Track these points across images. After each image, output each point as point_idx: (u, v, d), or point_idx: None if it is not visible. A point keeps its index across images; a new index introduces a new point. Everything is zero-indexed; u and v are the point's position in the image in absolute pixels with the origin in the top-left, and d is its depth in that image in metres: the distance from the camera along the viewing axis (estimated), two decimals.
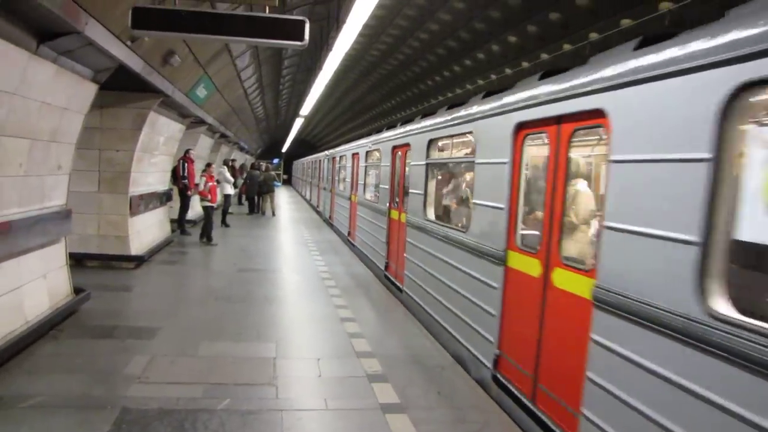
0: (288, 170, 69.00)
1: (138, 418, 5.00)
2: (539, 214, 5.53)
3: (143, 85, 10.15)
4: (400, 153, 11.12)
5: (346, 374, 6.46)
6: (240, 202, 28.52)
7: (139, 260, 11.75)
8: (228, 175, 20.48)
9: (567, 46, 10.71)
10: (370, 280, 11.84)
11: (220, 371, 6.28)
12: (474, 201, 6.94)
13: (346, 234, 17.03)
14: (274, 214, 25.18)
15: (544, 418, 5.10)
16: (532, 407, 5.33)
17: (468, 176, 8.27)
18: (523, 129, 5.77)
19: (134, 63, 8.59)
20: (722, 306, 3.22)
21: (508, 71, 13.28)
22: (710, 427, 3.19)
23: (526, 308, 5.53)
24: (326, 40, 12.97)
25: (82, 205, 10.79)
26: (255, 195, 25.32)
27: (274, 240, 17.71)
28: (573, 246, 5.16)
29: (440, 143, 8.86)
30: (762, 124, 3.28)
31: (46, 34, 6.29)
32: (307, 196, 35.46)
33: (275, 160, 67.72)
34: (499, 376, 6.03)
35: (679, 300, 3.44)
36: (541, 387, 5.25)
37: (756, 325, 2.96)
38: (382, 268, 11.88)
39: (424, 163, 9.17)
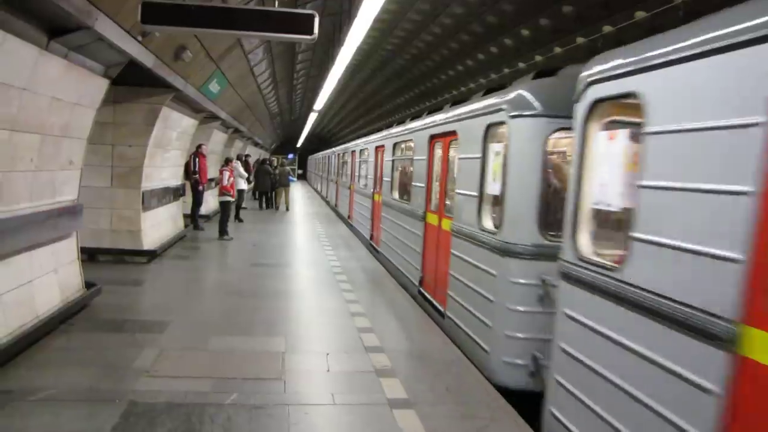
0: (303, 165, 69.15)
1: (145, 412, 5.03)
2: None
3: (155, 80, 10.20)
4: (441, 144, 9.24)
5: (355, 369, 6.46)
6: (254, 197, 28.62)
7: (151, 255, 11.83)
8: (242, 170, 20.49)
9: (580, 39, 10.63)
10: (382, 275, 11.84)
11: (229, 365, 6.31)
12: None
13: (368, 237, 15.70)
14: (288, 209, 25.26)
15: (435, 303, 8.95)
16: (429, 297, 9.33)
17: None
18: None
19: (145, 58, 8.62)
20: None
21: (521, 65, 13.21)
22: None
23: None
24: (339, 34, 12.94)
25: (95, 199, 10.88)
26: (266, 190, 25.36)
27: (287, 235, 17.78)
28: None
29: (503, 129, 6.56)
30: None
31: (56, 30, 6.33)
32: (322, 192, 35.31)
33: (290, 155, 67.98)
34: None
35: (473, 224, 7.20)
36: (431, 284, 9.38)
37: None
38: (416, 282, 9.91)
39: (478, 156, 7.18)
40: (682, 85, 3.49)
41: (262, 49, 15.28)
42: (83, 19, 6.10)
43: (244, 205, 21.61)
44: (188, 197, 16.75)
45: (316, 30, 6.44)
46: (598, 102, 4.47)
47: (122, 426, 4.77)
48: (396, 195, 12.44)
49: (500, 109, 6.64)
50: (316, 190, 43.27)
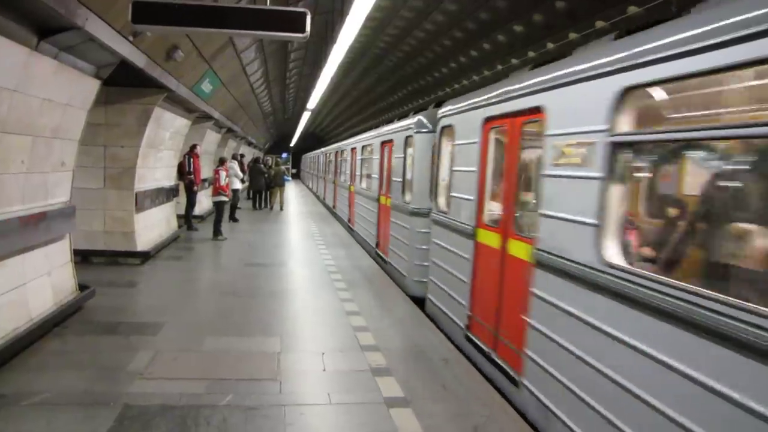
0: (296, 164, 69.03)
1: (140, 415, 5.00)
2: None
3: (147, 80, 10.15)
4: (387, 147, 10.93)
5: (351, 368, 6.44)
6: (248, 197, 28.57)
7: (145, 256, 11.78)
8: (238, 169, 20.42)
9: (573, 35, 10.60)
10: (375, 273, 11.83)
11: (224, 366, 6.28)
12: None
13: (374, 245, 14.15)
14: (282, 209, 25.24)
15: (381, 254, 12.43)
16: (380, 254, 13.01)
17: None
18: None
19: (137, 58, 8.57)
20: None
21: (514, 60, 13.17)
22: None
23: None
24: (331, 32, 12.90)
25: (88, 201, 10.83)
26: (260, 190, 25.29)
27: (282, 234, 17.73)
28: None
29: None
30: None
31: (46, 30, 6.28)
32: (316, 191, 35.37)
33: (284, 155, 67.79)
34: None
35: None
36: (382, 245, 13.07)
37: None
38: (462, 325, 7.44)
39: (401, 156, 10.70)
40: (463, 120, 7.87)
41: (255, 48, 15.23)
42: (73, 19, 6.06)
43: (238, 205, 21.59)
44: (182, 198, 16.71)
45: (308, 28, 6.39)
46: (443, 128, 8.80)
47: (117, 429, 4.74)
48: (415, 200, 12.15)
49: (410, 128, 10.81)
50: (309, 189, 43.30)
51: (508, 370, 6.00)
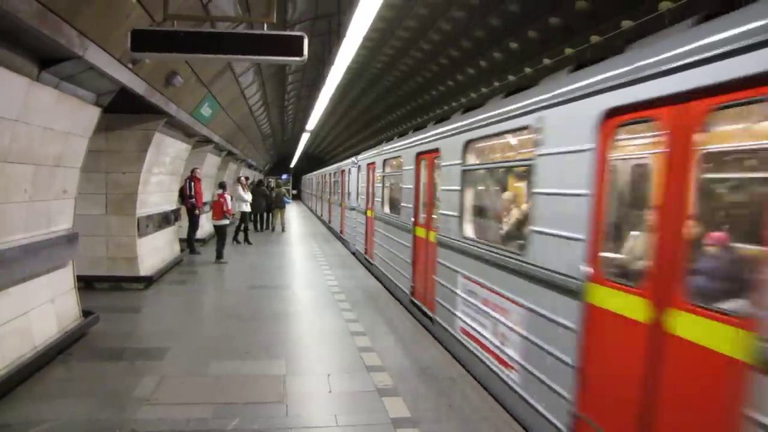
0: (297, 185, 69.23)
1: None
2: None
3: (147, 106, 10.20)
4: (425, 162, 10.09)
5: (357, 389, 6.42)
6: (250, 219, 28.59)
7: (148, 281, 11.78)
8: (242, 192, 20.46)
9: (569, 50, 10.70)
10: (379, 293, 11.81)
11: (230, 390, 6.27)
12: None
13: (409, 291, 10.64)
14: (283, 230, 25.28)
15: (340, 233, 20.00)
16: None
17: None
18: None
19: (136, 85, 8.64)
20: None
21: (511, 77, 13.28)
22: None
23: None
24: (328, 54, 13.01)
25: (91, 227, 10.85)
26: (262, 212, 25.35)
27: (284, 256, 17.71)
28: None
29: None
30: None
31: (47, 60, 6.35)
32: (319, 213, 34.82)
33: (284, 176, 68.03)
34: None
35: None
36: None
37: None
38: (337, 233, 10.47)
39: (367, 175, 15.11)
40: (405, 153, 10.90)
41: (253, 71, 15.34)
42: (73, 48, 6.13)
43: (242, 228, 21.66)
44: (184, 221, 16.74)
45: (306, 51, 6.45)
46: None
47: None
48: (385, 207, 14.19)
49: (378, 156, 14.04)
50: (310, 209, 43.35)
51: (340, 234, 14.64)
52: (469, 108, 8.47)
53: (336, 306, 10.54)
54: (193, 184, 16.28)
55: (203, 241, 19.05)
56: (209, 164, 21.25)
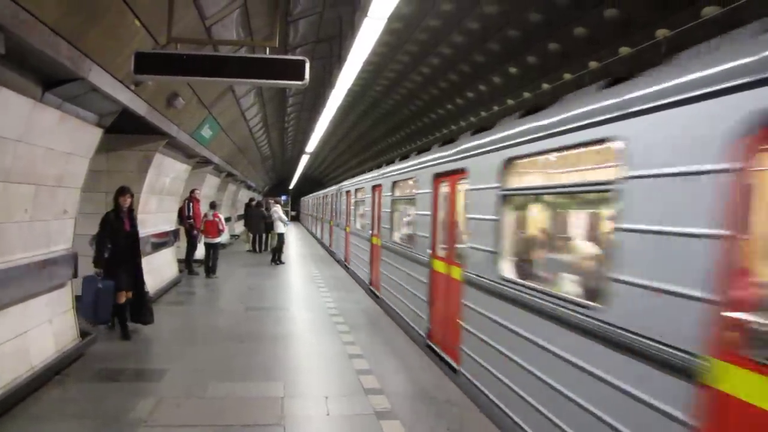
0: (295, 207, 69.29)
1: None
2: None
3: (148, 127, 10.28)
4: (356, 192, 14.07)
5: (355, 412, 6.40)
6: (246, 240, 28.60)
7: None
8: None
9: (567, 75, 10.81)
10: (379, 315, 11.79)
11: (228, 412, 6.24)
12: None
13: (425, 334, 9.29)
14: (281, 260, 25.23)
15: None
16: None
17: None
18: None
19: (138, 106, 8.72)
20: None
21: (510, 101, 13.38)
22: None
23: None
24: (329, 77, 13.13)
25: (89, 247, 10.85)
26: (261, 233, 25.39)
27: (282, 277, 17.69)
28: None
29: None
30: None
31: (51, 82, 6.42)
32: (318, 235, 34.53)
33: (283, 197, 68.07)
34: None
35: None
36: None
37: None
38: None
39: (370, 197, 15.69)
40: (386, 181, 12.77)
41: (253, 93, 15.46)
42: (77, 70, 6.19)
43: (249, 248, 23.85)
44: (182, 242, 16.79)
45: (307, 75, 6.54)
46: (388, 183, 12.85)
47: None
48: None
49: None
50: (309, 231, 43.35)
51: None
52: (481, 129, 7.54)
53: (334, 328, 10.51)
54: (192, 204, 16.37)
55: (201, 262, 19.03)
56: (209, 185, 21.35)
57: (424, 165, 9.64)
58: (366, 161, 35.83)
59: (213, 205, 16.99)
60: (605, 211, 4.77)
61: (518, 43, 11.26)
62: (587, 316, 4.43)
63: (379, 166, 15.43)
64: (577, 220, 5.99)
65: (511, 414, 5.70)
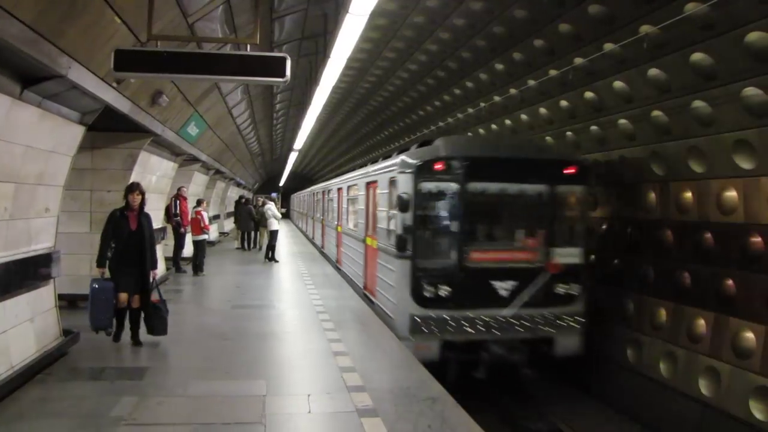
0: (286, 204, 69.19)
1: None
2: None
3: (133, 125, 10.24)
4: (351, 191, 17.67)
5: (337, 410, 6.41)
6: (235, 237, 28.52)
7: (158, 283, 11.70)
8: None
9: (552, 71, 10.85)
10: (365, 313, 11.81)
11: (209, 411, 6.24)
12: None
13: (362, 287, 13.65)
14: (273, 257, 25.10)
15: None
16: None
17: None
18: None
19: (121, 104, 8.68)
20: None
21: (496, 98, 13.41)
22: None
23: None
24: (315, 74, 13.13)
25: (74, 246, 10.82)
26: (249, 231, 25.30)
27: (270, 275, 17.68)
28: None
29: None
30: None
31: (30, 79, 6.37)
32: (311, 235, 33.88)
33: (273, 194, 67.90)
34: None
35: None
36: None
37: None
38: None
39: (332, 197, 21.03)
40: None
41: (240, 90, 15.41)
42: (56, 68, 6.16)
43: (238, 246, 23.72)
44: (170, 240, 16.77)
45: (288, 72, 6.53)
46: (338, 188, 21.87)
47: None
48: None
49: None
50: (299, 228, 43.36)
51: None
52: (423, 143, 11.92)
53: (320, 326, 10.51)
54: (178, 202, 16.32)
55: (189, 260, 18.99)
56: (197, 183, 21.31)
57: (361, 176, 14.88)
58: (354, 159, 35.89)
59: (198, 202, 17.00)
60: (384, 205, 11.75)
61: (504, 39, 11.29)
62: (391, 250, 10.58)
63: (363, 165, 17.44)
64: (384, 213, 11.87)
65: (385, 309, 11.24)
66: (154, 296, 8.98)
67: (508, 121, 14.15)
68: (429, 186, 10.13)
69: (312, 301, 12.97)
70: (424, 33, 12.56)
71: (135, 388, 6.89)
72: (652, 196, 10.39)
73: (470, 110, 15.14)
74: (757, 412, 7.90)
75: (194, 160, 17.95)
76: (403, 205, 9.93)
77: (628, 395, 10.53)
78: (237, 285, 15.40)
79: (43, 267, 7.65)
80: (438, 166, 9.96)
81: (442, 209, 10.47)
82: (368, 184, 13.57)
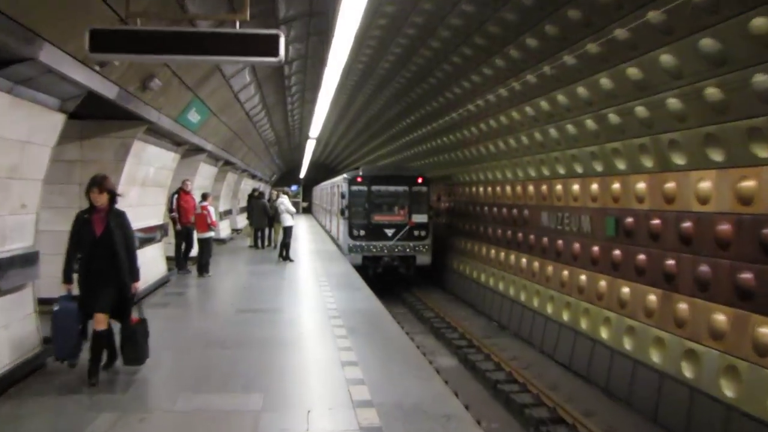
0: (307, 197, 69.31)
1: None
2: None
3: (124, 112, 10.20)
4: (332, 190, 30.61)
5: (338, 428, 6.28)
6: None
7: (139, 298, 11.70)
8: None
9: (567, 57, 10.77)
10: (382, 316, 11.68)
11: (195, 429, 6.16)
12: None
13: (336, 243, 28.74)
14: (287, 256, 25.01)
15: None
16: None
17: None
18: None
19: (107, 90, 8.63)
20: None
21: (530, 77, 13.12)
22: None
23: None
24: (327, 53, 12.94)
25: (61, 245, 10.80)
26: (262, 227, 25.33)
27: (283, 276, 17.62)
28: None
29: None
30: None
31: None
32: (327, 227, 37.07)
33: (293, 187, 68.08)
34: None
35: None
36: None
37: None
38: None
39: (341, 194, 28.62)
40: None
41: (247, 72, 15.32)
42: (26, 49, 6.12)
43: (251, 244, 25.33)
44: (171, 237, 16.78)
45: (281, 51, 6.39)
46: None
47: None
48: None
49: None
50: (322, 226, 43.52)
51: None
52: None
53: (331, 332, 10.40)
54: (177, 197, 16.26)
55: (194, 259, 19.04)
56: (204, 175, 21.34)
57: (331, 183, 33.82)
58: (380, 146, 35.83)
59: (204, 197, 16.90)
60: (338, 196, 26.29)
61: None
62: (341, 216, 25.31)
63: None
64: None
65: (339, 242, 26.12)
66: (134, 315, 8.08)
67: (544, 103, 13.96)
68: (354, 188, 24.55)
69: (326, 305, 12.88)
70: (446, 5, 12.30)
71: (117, 402, 6.85)
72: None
73: (502, 91, 14.86)
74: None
75: (199, 150, 17.97)
76: (343, 196, 24.68)
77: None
78: (244, 287, 15.39)
79: (20, 268, 7.63)
80: (359, 179, 24.56)
81: (360, 197, 24.53)
82: (331, 186, 32.15)
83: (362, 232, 23.94)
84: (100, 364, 7.57)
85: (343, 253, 23.69)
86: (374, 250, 23.80)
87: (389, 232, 24.01)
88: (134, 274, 7.97)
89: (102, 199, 7.60)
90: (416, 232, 24.10)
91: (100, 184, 7.63)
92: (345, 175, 25.53)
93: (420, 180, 24.58)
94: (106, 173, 11.00)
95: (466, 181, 23.45)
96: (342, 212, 24.45)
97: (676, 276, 10.56)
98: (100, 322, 7.50)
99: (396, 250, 23.87)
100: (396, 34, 14.76)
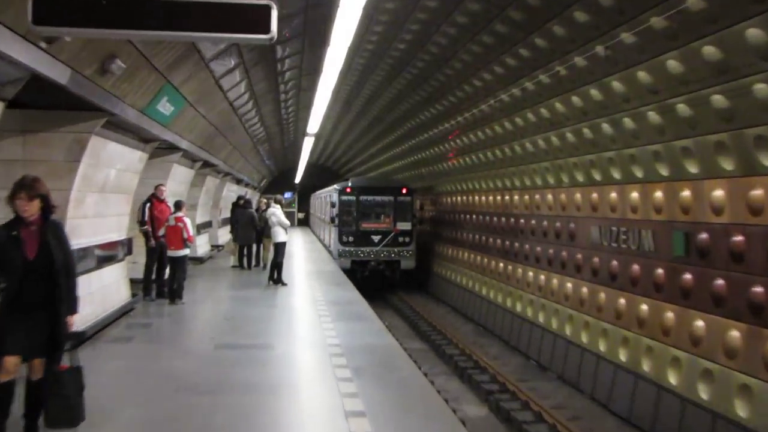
0: (303, 207, 69.60)
1: None
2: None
3: (79, 101, 10.05)
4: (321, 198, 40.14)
5: None
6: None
7: (77, 339, 11.53)
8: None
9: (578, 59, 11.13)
10: (394, 352, 11.52)
11: None
12: None
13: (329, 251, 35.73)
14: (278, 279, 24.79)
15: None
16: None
17: None
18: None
19: (57, 73, 8.47)
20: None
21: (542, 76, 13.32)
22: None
23: None
24: (329, 34, 12.89)
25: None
26: (249, 243, 25.11)
27: (273, 303, 17.49)
28: None
29: None
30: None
31: None
32: (325, 241, 39.50)
33: (287, 194, 68.10)
34: None
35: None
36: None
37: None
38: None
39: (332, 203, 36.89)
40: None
41: (230, 54, 15.24)
42: None
43: (234, 264, 24.76)
44: (141, 256, 16.67)
45: (273, 27, 6.29)
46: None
47: None
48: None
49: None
50: (320, 240, 43.84)
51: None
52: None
53: (332, 373, 10.21)
54: (150, 205, 16.17)
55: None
56: (177, 179, 21.25)
57: (324, 192, 43.29)
58: (387, 148, 36.51)
59: (177, 206, 16.72)
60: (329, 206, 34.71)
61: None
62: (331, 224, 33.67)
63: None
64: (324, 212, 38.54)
65: (330, 248, 34.44)
66: (63, 362, 7.16)
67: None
68: (344, 198, 32.58)
69: (326, 339, 12.72)
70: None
71: None
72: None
73: (515, 91, 15.22)
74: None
75: (171, 148, 17.91)
76: (333, 205, 32.75)
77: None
78: (226, 317, 15.28)
79: None
80: (348, 190, 32.81)
81: (349, 206, 32.49)
82: (325, 196, 39.67)
83: (351, 239, 31.44)
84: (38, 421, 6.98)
85: (333, 258, 31.27)
86: (362, 255, 31.10)
87: (376, 238, 31.48)
88: (72, 305, 7.19)
89: (32, 208, 6.74)
90: (401, 239, 31.65)
91: (30, 187, 6.77)
92: (336, 186, 33.79)
93: (404, 191, 32.44)
94: (58, 176, 10.99)
95: (451, 191, 31.49)
96: (332, 220, 32.09)
97: (766, 307, 9.87)
98: (36, 370, 6.90)
99: (382, 255, 31.33)
100: (406, 19, 14.81)
